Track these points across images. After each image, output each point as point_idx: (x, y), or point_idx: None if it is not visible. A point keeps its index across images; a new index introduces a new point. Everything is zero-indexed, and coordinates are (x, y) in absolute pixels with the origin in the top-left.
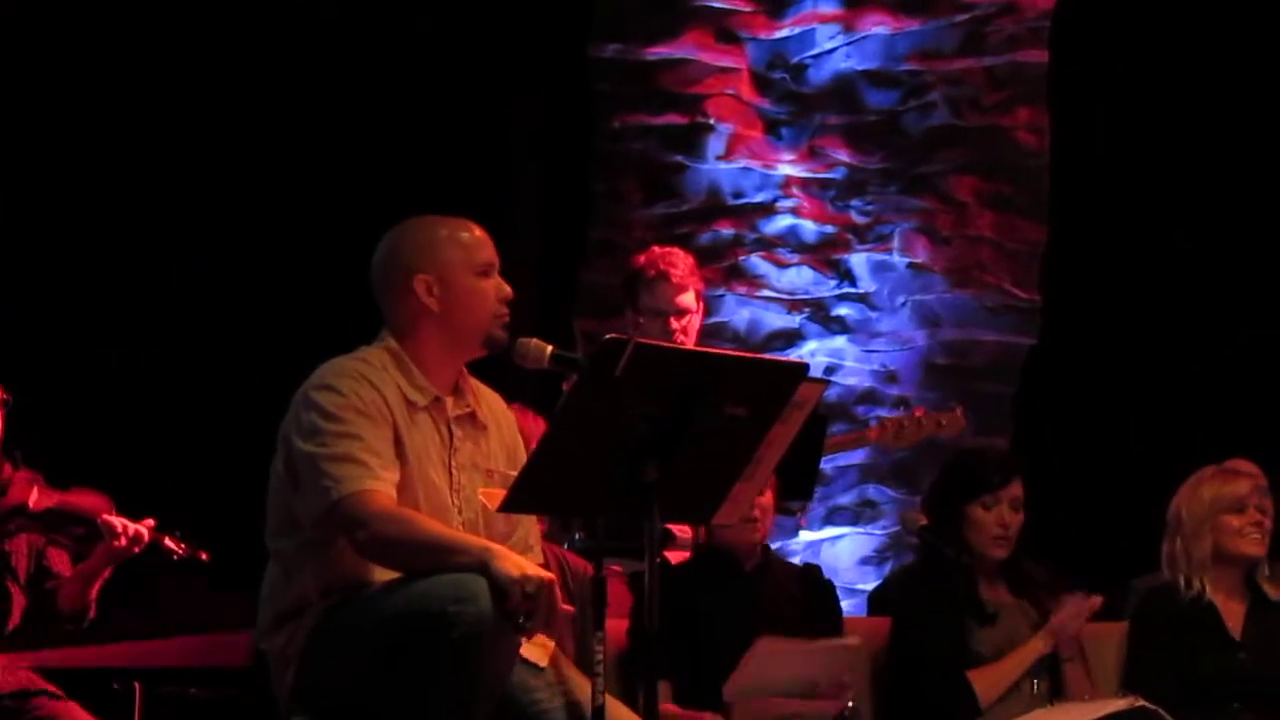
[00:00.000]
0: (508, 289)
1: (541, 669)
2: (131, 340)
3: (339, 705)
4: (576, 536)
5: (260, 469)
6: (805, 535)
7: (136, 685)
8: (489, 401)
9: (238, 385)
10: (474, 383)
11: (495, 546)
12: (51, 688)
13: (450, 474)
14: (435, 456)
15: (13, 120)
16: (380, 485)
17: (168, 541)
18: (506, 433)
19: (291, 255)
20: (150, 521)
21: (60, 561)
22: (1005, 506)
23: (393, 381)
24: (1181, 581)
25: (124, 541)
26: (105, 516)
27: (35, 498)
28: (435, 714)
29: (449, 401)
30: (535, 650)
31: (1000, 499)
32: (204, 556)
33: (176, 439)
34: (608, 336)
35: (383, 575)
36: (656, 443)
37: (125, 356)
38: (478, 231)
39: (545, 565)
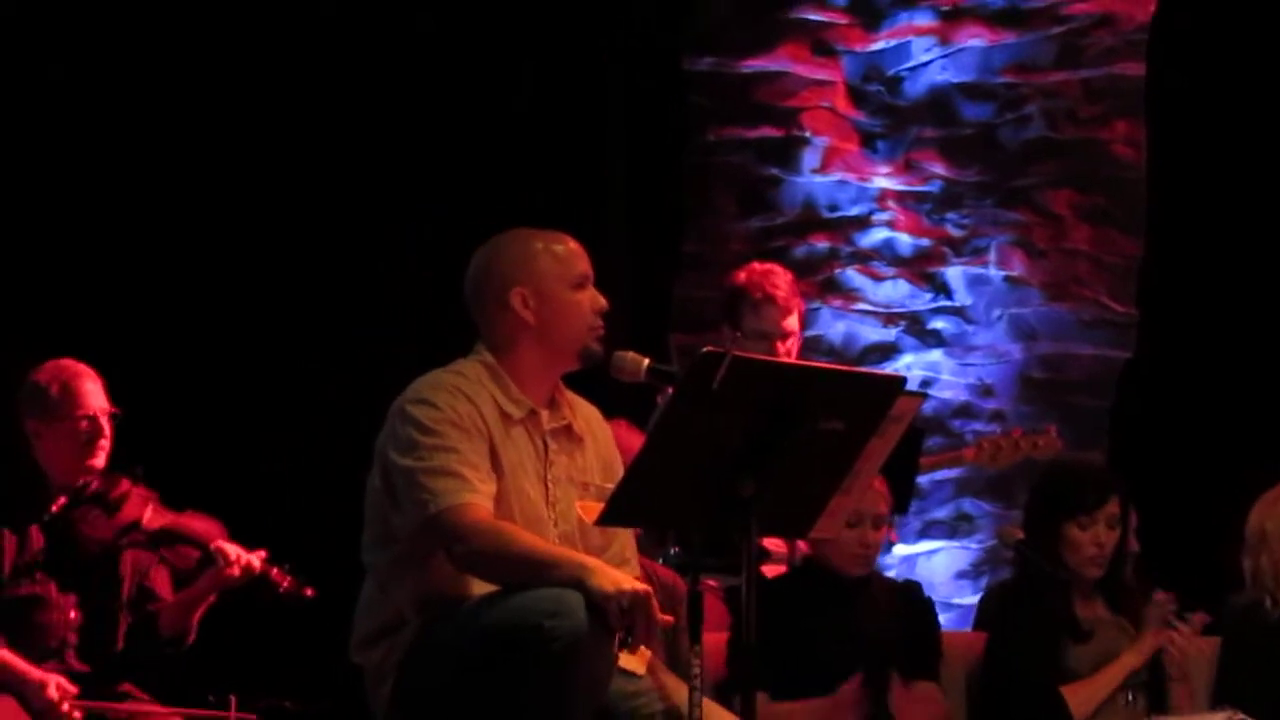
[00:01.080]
0: (603, 301)
1: (639, 677)
2: (246, 369)
3: (438, 717)
4: (671, 551)
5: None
6: (901, 549)
7: (232, 697)
8: (585, 414)
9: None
10: (570, 395)
11: (591, 562)
12: (147, 700)
13: (546, 487)
14: (531, 470)
15: (120, 143)
16: (477, 499)
17: (275, 574)
18: (603, 445)
19: (386, 273)
20: (263, 553)
21: (161, 583)
22: (1102, 526)
23: (488, 395)
24: (1267, 601)
25: (236, 570)
26: (219, 543)
27: (149, 516)
28: None
29: (544, 415)
30: (633, 660)
31: (1097, 519)
32: (309, 593)
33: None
34: (705, 349)
35: (480, 588)
36: (753, 456)
37: (241, 384)
38: (572, 244)
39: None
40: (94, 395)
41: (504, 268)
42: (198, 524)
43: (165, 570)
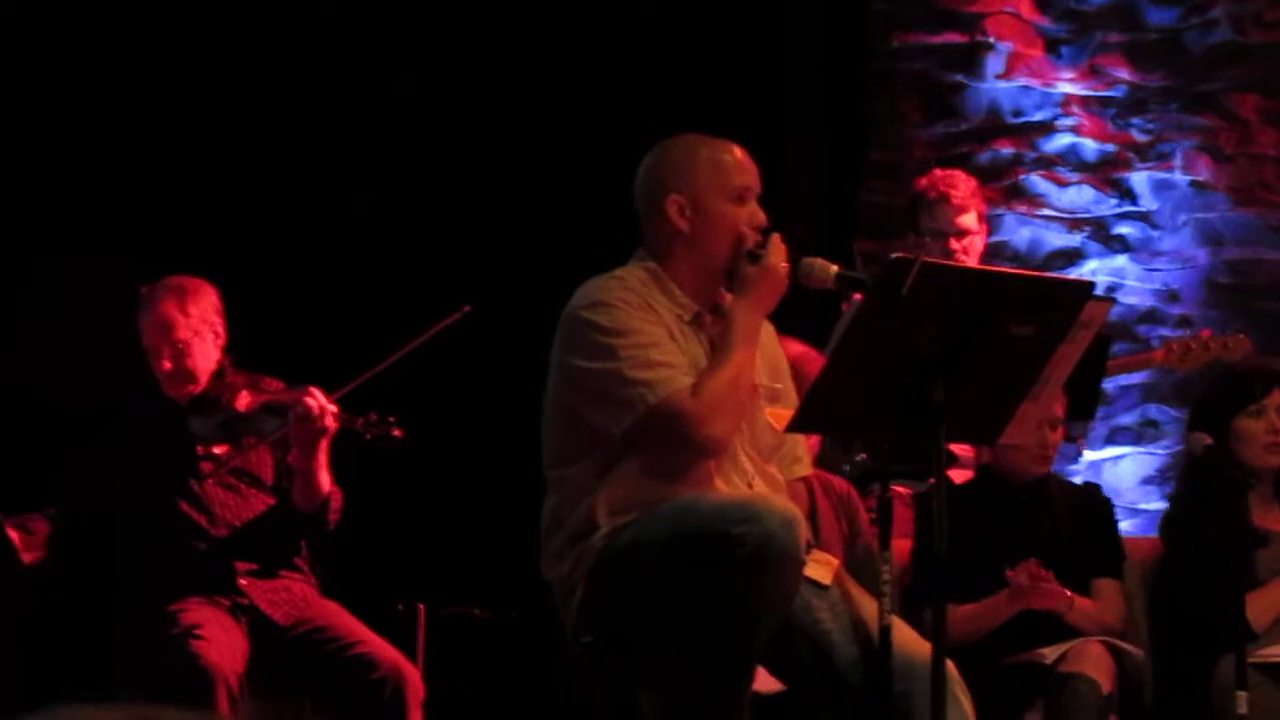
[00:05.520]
0: (762, 217)
1: (826, 588)
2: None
3: (626, 625)
4: (858, 459)
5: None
6: (1087, 455)
7: (420, 606)
8: None
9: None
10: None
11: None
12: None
13: None
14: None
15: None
16: (689, 380)
17: (360, 423)
18: (766, 346)
19: (570, 174)
20: (314, 388)
21: (263, 467)
22: (1273, 413)
23: (654, 298)
24: None
25: (328, 420)
26: (305, 400)
27: (246, 400)
28: (721, 634)
29: (708, 319)
30: (819, 569)
31: (1266, 407)
32: (397, 434)
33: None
34: (894, 256)
35: (668, 493)
36: (943, 362)
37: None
38: (739, 154)
39: (808, 485)
40: (162, 331)
41: (665, 173)
42: (285, 394)
43: (264, 451)
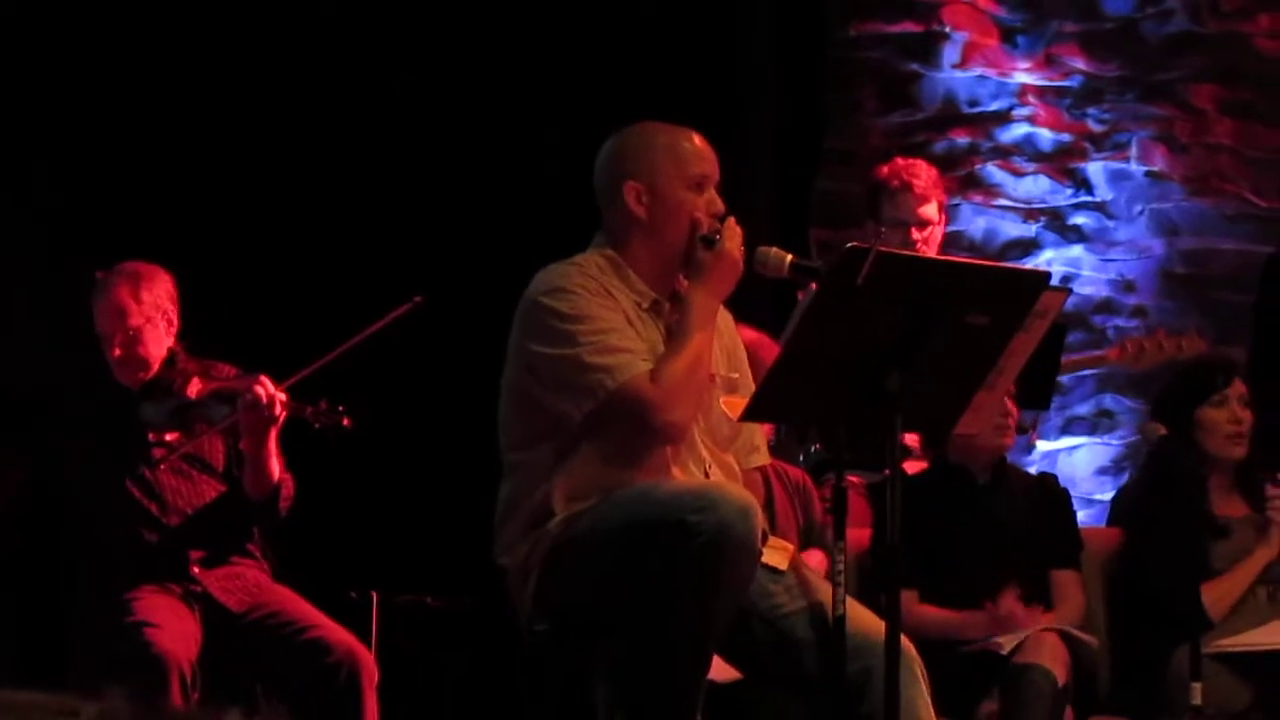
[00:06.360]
0: (720, 204)
1: (782, 573)
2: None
3: (581, 613)
4: (813, 449)
5: None
6: (1043, 445)
7: (373, 594)
8: None
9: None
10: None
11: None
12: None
13: None
14: None
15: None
16: (648, 366)
17: (310, 412)
18: (725, 335)
19: (526, 163)
20: (264, 377)
21: (214, 454)
22: (1235, 403)
23: (612, 284)
24: None
25: (277, 409)
26: (254, 388)
27: (197, 387)
28: (677, 622)
29: (667, 307)
30: (775, 555)
31: (1228, 396)
32: (346, 423)
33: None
34: (849, 245)
35: (625, 480)
36: (898, 352)
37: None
38: (697, 141)
39: (764, 473)
40: (115, 317)
41: (623, 160)
42: (236, 382)
43: (215, 438)
